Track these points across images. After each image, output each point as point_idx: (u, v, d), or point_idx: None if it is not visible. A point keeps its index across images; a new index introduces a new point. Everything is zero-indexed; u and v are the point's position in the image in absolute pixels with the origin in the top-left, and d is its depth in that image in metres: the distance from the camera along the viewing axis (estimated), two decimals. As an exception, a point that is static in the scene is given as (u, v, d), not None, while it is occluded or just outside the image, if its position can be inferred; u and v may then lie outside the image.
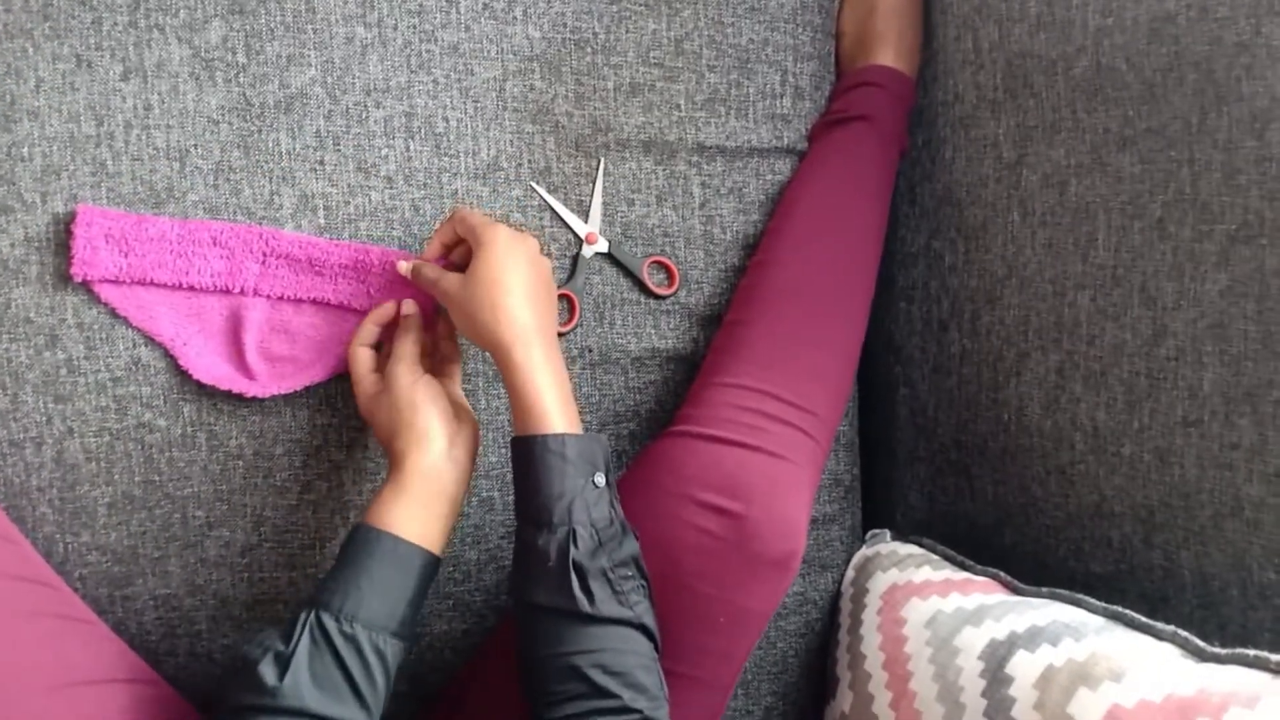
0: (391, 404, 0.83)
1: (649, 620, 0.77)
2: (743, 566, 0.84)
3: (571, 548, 0.75)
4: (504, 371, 0.82)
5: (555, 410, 0.80)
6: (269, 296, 0.93)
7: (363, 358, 0.89)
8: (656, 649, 0.78)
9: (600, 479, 0.79)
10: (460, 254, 0.91)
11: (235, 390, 0.91)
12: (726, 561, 0.84)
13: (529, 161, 0.98)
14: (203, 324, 0.92)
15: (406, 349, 0.86)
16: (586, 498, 0.78)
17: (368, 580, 0.74)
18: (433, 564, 0.79)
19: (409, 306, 0.90)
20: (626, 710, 0.73)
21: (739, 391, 0.90)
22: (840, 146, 1.03)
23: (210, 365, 0.92)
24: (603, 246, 0.99)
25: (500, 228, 0.85)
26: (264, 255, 0.93)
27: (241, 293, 0.93)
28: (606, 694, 0.73)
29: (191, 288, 0.92)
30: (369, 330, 0.90)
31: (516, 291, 0.83)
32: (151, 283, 0.91)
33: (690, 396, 0.94)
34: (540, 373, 0.81)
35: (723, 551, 0.84)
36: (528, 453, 0.79)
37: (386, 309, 0.91)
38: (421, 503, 0.79)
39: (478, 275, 0.83)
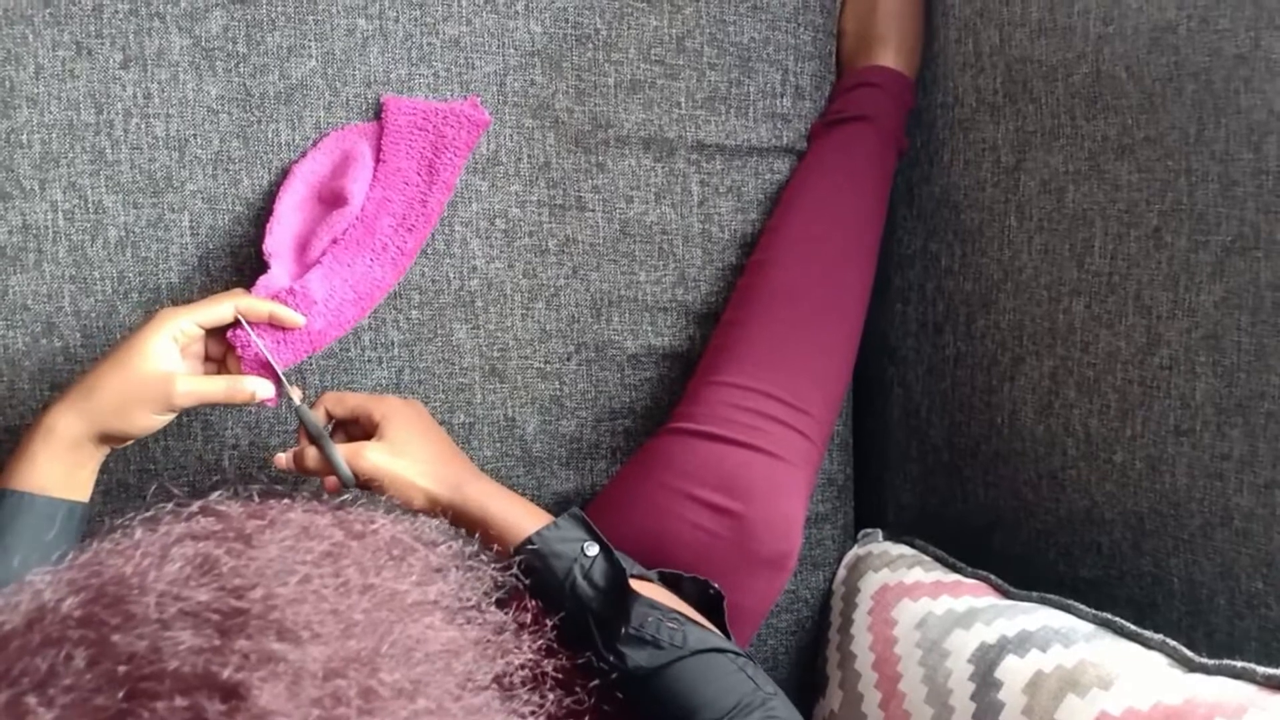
0: None
1: (701, 642, 0.75)
2: (739, 564, 0.85)
3: (594, 630, 0.75)
4: (460, 514, 0.81)
5: (516, 517, 0.80)
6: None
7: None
8: (734, 654, 0.76)
9: (592, 549, 0.78)
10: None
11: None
12: (722, 558, 0.85)
13: (528, 156, 0.98)
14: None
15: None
16: (582, 570, 0.77)
17: None
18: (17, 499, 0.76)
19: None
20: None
21: (736, 391, 0.91)
22: (839, 147, 1.03)
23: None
24: None
25: (389, 397, 0.86)
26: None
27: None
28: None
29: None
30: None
31: (445, 439, 0.86)
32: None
33: (687, 394, 0.95)
34: (489, 499, 0.81)
35: (719, 549, 0.85)
36: (525, 563, 0.79)
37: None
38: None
39: (406, 436, 0.82)
